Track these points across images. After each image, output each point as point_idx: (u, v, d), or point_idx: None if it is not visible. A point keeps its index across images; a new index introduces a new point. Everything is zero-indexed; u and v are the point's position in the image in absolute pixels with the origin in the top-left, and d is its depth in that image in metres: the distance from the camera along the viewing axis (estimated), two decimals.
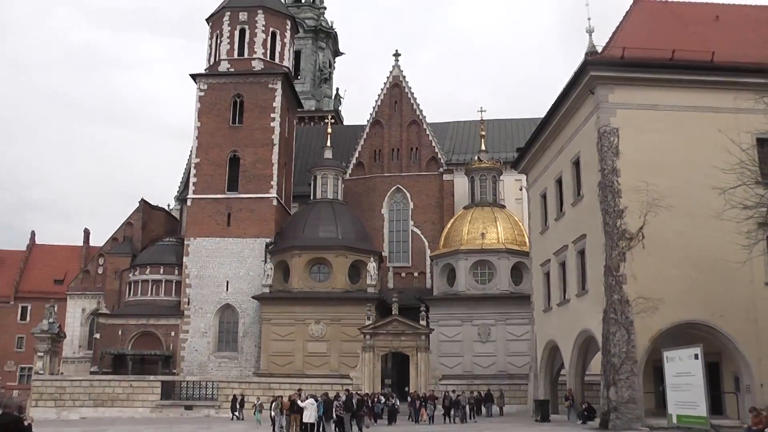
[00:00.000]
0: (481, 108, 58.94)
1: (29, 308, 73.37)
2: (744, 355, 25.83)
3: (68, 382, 45.90)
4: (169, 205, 65.91)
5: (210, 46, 60.35)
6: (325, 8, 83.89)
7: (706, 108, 27.38)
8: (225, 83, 57.96)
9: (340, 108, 79.78)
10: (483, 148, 57.22)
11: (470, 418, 37.45)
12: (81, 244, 73.36)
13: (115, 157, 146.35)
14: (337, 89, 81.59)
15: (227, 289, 54.11)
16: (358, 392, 36.84)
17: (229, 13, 59.28)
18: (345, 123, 76.09)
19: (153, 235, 60.99)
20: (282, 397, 31.28)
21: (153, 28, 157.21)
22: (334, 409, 29.17)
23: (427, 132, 61.65)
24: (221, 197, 55.71)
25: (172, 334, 53.93)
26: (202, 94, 57.72)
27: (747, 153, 24.09)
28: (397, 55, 63.24)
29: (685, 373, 23.03)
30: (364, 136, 62.37)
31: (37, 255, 77.88)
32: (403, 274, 59.04)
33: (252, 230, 54.84)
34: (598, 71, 27.90)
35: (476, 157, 56.79)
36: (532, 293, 38.79)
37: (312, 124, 74.23)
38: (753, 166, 23.48)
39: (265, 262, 53.47)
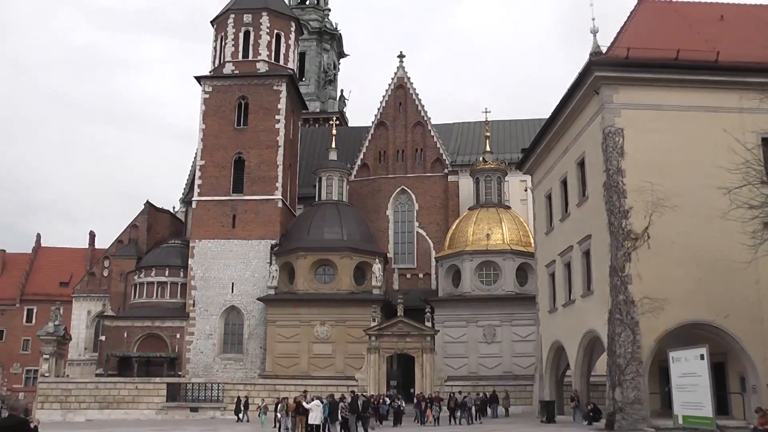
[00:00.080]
0: (486, 109, 59.09)
1: (35, 311, 73.71)
2: (750, 356, 25.76)
3: (74, 385, 46.07)
4: (174, 207, 66.05)
5: (214, 48, 60.43)
6: (329, 10, 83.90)
7: (711, 108, 27.33)
8: (230, 85, 58.01)
9: (344, 109, 79.81)
10: (488, 149, 57.20)
11: (476, 419, 37.43)
12: (86, 246, 73.61)
13: (117, 158, 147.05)
14: (342, 91, 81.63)
15: (232, 291, 54.14)
16: (364, 394, 36.87)
17: (233, 15, 59.36)
18: (350, 124, 76.14)
19: (158, 237, 61.07)
20: (287, 398, 31.34)
21: (154, 29, 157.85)
22: (339, 411, 29.24)
23: (432, 133, 61.62)
24: (226, 199, 55.77)
25: (178, 336, 54.00)
26: (207, 96, 57.81)
27: (752, 153, 24.08)
28: (401, 56, 63.30)
29: (690, 374, 22.97)
30: (369, 137, 62.37)
31: (43, 257, 78.24)
32: (408, 276, 58.96)
33: (257, 232, 54.87)
34: (602, 72, 27.87)
35: (481, 158, 56.74)
36: (537, 294, 38.76)
37: (317, 125, 74.26)
38: (758, 166, 23.45)
39: (270, 263, 53.53)
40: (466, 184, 58.42)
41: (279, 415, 31.16)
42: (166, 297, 55.56)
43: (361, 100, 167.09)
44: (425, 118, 61.99)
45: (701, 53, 27.60)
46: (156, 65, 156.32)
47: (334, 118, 66.24)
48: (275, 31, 59.58)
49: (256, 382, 46.24)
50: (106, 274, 60.57)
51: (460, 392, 39.46)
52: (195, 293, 54.42)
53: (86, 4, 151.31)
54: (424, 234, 59.63)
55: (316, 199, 57.71)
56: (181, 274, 55.60)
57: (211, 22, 60.96)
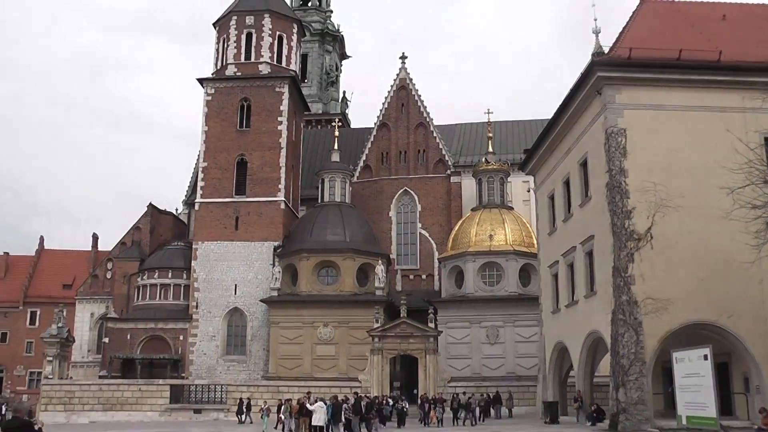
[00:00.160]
0: (488, 110, 59.03)
1: (38, 313, 73.75)
2: (753, 356, 25.71)
3: (77, 387, 46.08)
4: (177, 209, 66.12)
5: (217, 50, 60.53)
6: (331, 11, 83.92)
7: (714, 108, 27.31)
8: (232, 87, 58.06)
9: (347, 111, 79.82)
10: (490, 149, 57.22)
11: (479, 420, 37.41)
12: (89, 248, 73.67)
13: (120, 160, 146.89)
14: (344, 92, 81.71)
15: (235, 293, 54.20)
16: (367, 395, 36.82)
17: (235, 18, 59.45)
18: (352, 126, 76.09)
19: (161, 239, 61.15)
20: (291, 400, 31.31)
21: (157, 32, 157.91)
22: (343, 412, 29.25)
23: (435, 134, 61.60)
24: (229, 201, 55.85)
25: (181, 337, 54.03)
26: (210, 98, 57.88)
27: (755, 152, 23.99)
28: (403, 57, 63.31)
29: (694, 374, 22.90)
30: (372, 138, 62.37)
31: (46, 260, 78.29)
32: (411, 277, 58.96)
33: (260, 234, 54.93)
34: (605, 72, 27.86)
35: (484, 159, 56.78)
36: (540, 295, 38.72)
37: (319, 127, 74.39)
38: (761, 166, 23.38)
39: (273, 265, 53.56)
40: (468, 185, 58.40)
41: (283, 416, 31.13)
42: (169, 299, 55.63)
43: (364, 102, 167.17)
44: (428, 119, 61.98)
45: (703, 53, 27.59)
46: (159, 67, 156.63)
47: (337, 120, 66.21)
48: (277, 32, 59.65)
49: (260, 384, 46.23)
50: (109, 276, 60.60)
51: (463, 393, 39.51)
52: (198, 295, 54.49)
53: (90, 8, 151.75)
54: (427, 235, 59.63)
55: (319, 201, 57.74)
56: (184, 276, 55.67)
57: (214, 24, 61.07)
